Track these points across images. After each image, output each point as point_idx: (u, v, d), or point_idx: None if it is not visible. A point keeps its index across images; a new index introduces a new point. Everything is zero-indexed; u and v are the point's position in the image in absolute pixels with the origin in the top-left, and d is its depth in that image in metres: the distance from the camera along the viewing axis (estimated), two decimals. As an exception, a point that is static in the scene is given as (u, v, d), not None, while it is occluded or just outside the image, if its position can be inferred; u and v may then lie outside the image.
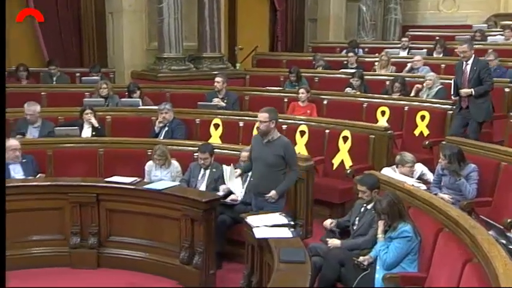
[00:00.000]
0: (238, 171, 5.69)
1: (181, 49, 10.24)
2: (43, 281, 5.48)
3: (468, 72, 7.04)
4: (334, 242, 4.82)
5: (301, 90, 8.31)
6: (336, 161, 7.04)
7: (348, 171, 6.62)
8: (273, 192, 5.21)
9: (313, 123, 7.42)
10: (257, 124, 5.31)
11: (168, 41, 10.06)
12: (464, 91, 7.00)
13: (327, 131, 7.21)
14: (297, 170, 5.39)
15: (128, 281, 5.55)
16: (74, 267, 5.78)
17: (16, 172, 6.19)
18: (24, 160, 6.29)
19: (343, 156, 6.98)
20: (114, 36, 10.63)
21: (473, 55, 7.10)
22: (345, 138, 7.00)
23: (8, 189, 5.66)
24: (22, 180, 6.08)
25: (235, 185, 5.82)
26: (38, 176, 6.26)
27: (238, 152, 6.42)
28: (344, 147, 7.00)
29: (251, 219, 4.86)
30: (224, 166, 5.89)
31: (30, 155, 6.41)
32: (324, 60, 10.57)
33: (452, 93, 7.23)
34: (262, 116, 5.19)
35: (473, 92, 6.96)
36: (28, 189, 5.83)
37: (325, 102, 8.50)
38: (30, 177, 6.18)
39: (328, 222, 5.13)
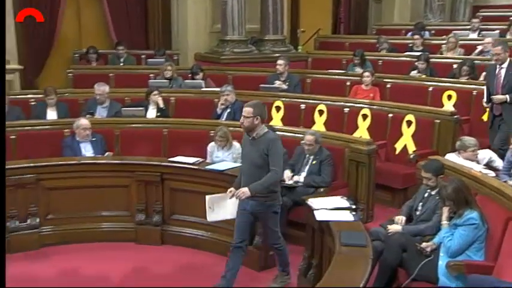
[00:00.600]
0: (233, 189, 4.81)
1: (244, 31, 10.24)
2: (110, 254, 5.69)
3: (502, 77, 6.48)
4: (395, 227, 4.72)
5: (366, 74, 8.15)
6: (398, 146, 6.89)
7: (411, 156, 6.46)
8: (244, 189, 4.59)
9: (376, 107, 7.28)
10: (241, 119, 4.68)
11: (231, 23, 10.08)
12: (498, 98, 6.48)
13: (390, 115, 7.05)
14: (278, 172, 4.62)
15: (190, 258, 5.67)
16: (138, 243, 5.95)
17: (86, 150, 6.42)
18: (93, 139, 6.49)
19: (406, 141, 6.82)
20: (178, 19, 10.74)
21: (509, 58, 6.51)
22: (409, 123, 6.83)
23: (79, 166, 5.98)
24: (92, 158, 6.28)
25: (226, 211, 4.91)
26: (106, 155, 6.46)
27: (299, 135, 6.40)
28: (408, 131, 6.83)
29: (312, 202, 4.84)
30: (207, 197, 4.95)
31: (99, 134, 6.60)
32: (388, 43, 10.32)
33: (484, 99, 6.72)
34: (246, 110, 4.62)
35: (508, 99, 6.42)
36: (97, 167, 6.02)
37: (388, 85, 8.30)
38: (99, 155, 6.38)
39: (399, 221, 4.84)
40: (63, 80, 9.07)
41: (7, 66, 7.84)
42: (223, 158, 6.25)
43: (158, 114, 7.50)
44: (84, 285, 5.12)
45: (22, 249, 5.64)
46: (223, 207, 4.87)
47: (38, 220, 5.79)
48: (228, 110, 7.52)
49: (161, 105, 7.52)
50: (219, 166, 5.77)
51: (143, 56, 10.24)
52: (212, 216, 4.91)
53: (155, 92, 7.53)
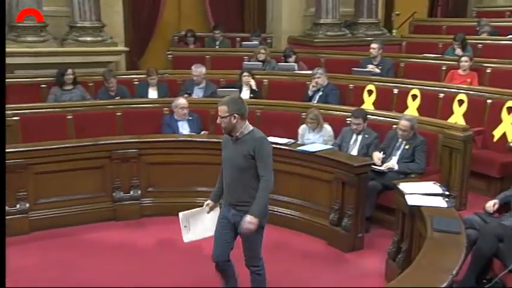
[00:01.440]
0: (210, 202, 4.32)
1: (337, 15, 10.12)
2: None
3: None
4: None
5: (465, 58, 7.78)
6: (497, 133, 6.57)
7: (511, 145, 6.15)
8: (248, 218, 3.88)
9: (473, 93, 6.97)
10: (218, 120, 4.01)
11: (325, 6, 9.98)
12: None
13: (489, 101, 6.73)
14: (269, 179, 3.92)
15: (279, 236, 5.74)
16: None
17: (184, 128, 6.65)
18: (190, 118, 6.72)
19: (506, 128, 6.49)
20: (273, 3, 10.78)
21: None
22: (510, 109, 6.49)
23: (176, 143, 6.21)
24: (188, 135, 6.49)
25: (205, 228, 4.29)
26: (202, 133, 6.66)
27: (391, 119, 6.28)
28: (508, 118, 6.49)
29: (404, 186, 4.74)
30: (180, 214, 4.36)
31: (196, 113, 6.81)
32: (490, 26, 9.78)
33: None
34: (221, 109, 3.94)
35: None
36: (193, 144, 6.21)
37: (488, 70, 7.90)
38: (195, 134, 6.59)
39: (491, 204, 4.64)
40: (163, 62, 9.42)
41: (116, 48, 8.28)
42: (314, 140, 6.25)
43: (251, 95, 7.62)
44: (179, 254, 5.34)
45: (125, 218, 5.98)
46: (201, 224, 4.22)
47: (139, 192, 6.09)
48: (320, 93, 7.51)
49: (254, 86, 7.64)
50: (311, 147, 5.78)
51: (238, 39, 10.41)
52: (189, 236, 4.27)
53: (245, 74, 7.65)
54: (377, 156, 5.80)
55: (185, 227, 4.23)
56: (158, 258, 5.29)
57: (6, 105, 6.35)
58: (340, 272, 5.08)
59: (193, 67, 7.75)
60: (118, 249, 5.43)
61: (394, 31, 11.87)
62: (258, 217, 3.86)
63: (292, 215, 5.89)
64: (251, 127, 4.01)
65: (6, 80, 7.38)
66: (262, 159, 3.89)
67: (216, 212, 4.21)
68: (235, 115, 3.90)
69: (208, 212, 4.25)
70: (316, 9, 10.16)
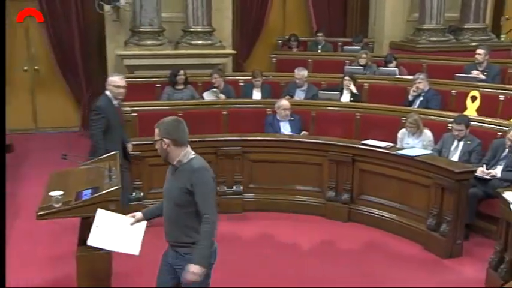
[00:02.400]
0: (137, 214, 3.63)
1: (442, 20, 9.77)
2: (301, 225, 5.96)
3: None
4: None
5: None
6: None
7: None
8: (192, 268, 3.23)
9: None
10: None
11: (430, 11, 9.68)
12: None
13: None
14: (212, 217, 3.26)
15: (374, 237, 5.69)
16: (327, 218, 6.13)
17: (285, 128, 6.76)
18: (292, 119, 6.81)
19: None
20: (376, 8, 10.61)
21: None
22: None
23: (278, 142, 6.33)
24: (290, 136, 6.59)
25: (116, 239, 3.52)
26: (302, 134, 6.73)
27: (496, 127, 6.00)
28: None
29: (508, 195, 4.51)
30: (98, 210, 3.62)
31: (297, 114, 6.89)
32: None
33: None
34: (155, 131, 3.33)
35: None
36: (294, 145, 6.28)
37: None
38: (296, 134, 6.67)
39: None
40: (267, 64, 9.59)
41: (224, 51, 8.57)
42: (414, 144, 6.12)
43: (351, 99, 7.58)
44: (278, 249, 5.45)
45: (227, 212, 6.18)
46: (115, 233, 3.50)
47: (241, 187, 6.28)
48: (421, 98, 7.32)
49: (354, 90, 7.59)
50: (411, 152, 5.67)
51: (340, 44, 10.36)
52: (94, 239, 3.47)
53: (346, 78, 7.62)
54: (481, 170, 5.55)
55: (97, 227, 3.50)
56: (258, 251, 5.41)
57: (127, 102, 6.84)
58: (437, 277, 4.94)
59: (296, 70, 7.85)
60: (220, 240, 5.57)
61: (502, 36, 11.24)
62: (203, 266, 3.24)
63: (387, 217, 5.82)
64: (192, 155, 3.31)
65: (128, 79, 7.94)
66: (201, 195, 3.21)
67: (140, 232, 3.54)
68: (165, 140, 3.25)
69: (132, 224, 3.54)
70: (420, 14, 9.88)
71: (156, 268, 4.89)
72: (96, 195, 3.78)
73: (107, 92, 5.46)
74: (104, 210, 3.59)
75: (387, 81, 8.14)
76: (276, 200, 6.29)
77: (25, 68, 9.22)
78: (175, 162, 3.29)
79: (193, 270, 3.21)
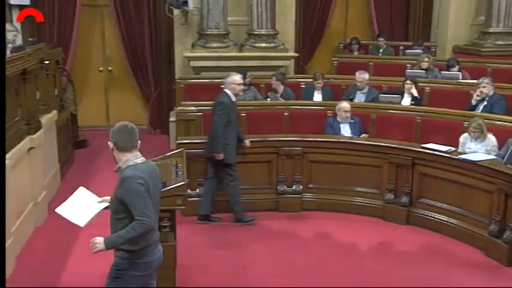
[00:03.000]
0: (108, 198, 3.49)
1: (510, 23, 9.39)
2: (359, 226, 5.90)
3: None
4: None
5: None
6: None
7: None
8: (99, 239, 3.18)
9: None
10: None
11: (497, 15, 9.33)
12: None
13: None
14: (142, 221, 3.08)
15: (432, 241, 5.56)
16: (385, 220, 6.05)
17: (345, 130, 6.69)
18: (352, 121, 6.73)
19: None
20: (440, 11, 10.33)
21: None
22: None
23: (338, 144, 6.29)
24: (349, 138, 6.52)
25: (80, 212, 3.49)
26: (362, 136, 6.65)
27: None
28: None
29: None
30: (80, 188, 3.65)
31: (357, 116, 6.81)
32: None
33: None
34: None
35: None
36: (354, 146, 6.23)
37: None
38: (356, 136, 6.60)
39: None
40: (328, 67, 9.54)
41: (287, 54, 8.59)
42: (476, 149, 5.90)
43: (412, 102, 7.41)
44: (335, 249, 5.42)
45: (286, 210, 6.21)
46: (78, 206, 3.51)
47: (301, 187, 6.28)
48: (485, 103, 7.04)
49: (415, 94, 7.42)
50: (473, 157, 5.49)
51: (401, 47, 10.15)
52: (61, 208, 3.53)
53: (408, 81, 7.46)
54: None
55: (72, 199, 3.57)
56: (315, 250, 5.41)
57: (193, 102, 7.00)
58: (499, 284, 4.78)
59: (357, 73, 7.75)
60: (279, 237, 5.67)
61: None
62: (105, 244, 3.15)
63: (447, 221, 5.68)
64: (132, 162, 3.17)
65: (194, 80, 8.17)
66: (129, 203, 3.11)
67: (95, 210, 3.48)
68: (109, 142, 3.22)
69: (98, 202, 3.52)
70: (486, 18, 9.53)
71: (220, 263, 5.04)
72: (164, 189, 3.89)
73: (226, 90, 5.89)
74: (84, 189, 3.60)
75: (450, 85, 7.90)
76: (335, 201, 6.25)
77: (100, 68, 9.62)
78: (117, 168, 3.22)
79: (98, 241, 3.16)
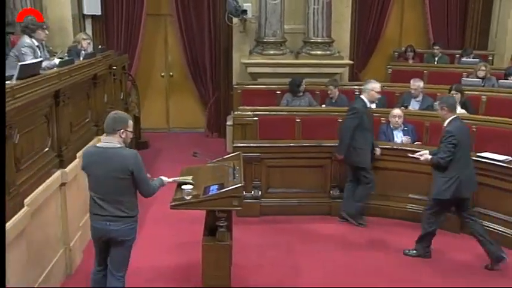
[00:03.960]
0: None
1: None
2: (413, 233, 5.71)
3: None
4: None
5: None
6: None
7: None
8: None
9: None
10: None
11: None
12: None
13: None
14: None
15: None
16: (440, 228, 5.80)
17: (398, 137, 6.57)
18: (405, 128, 6.60)
19: None
20: (499, 20, 9.96)
21: None
22: None
23: (390, 150, 6.17)
24: (401, 144, 6.38)
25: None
26: (414, 143, 6.49)
27: None
28: None
29: None
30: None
31: (411, 124, 6.67)
32: None
33: None
34: None
35: None
36: (406, 153, 6.05)
37: None
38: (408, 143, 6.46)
39: None
40: (382, 75, 9.38)
41: (342, 61, 8.53)
42: (534, 159, 5.66)
43: (463, 110, 7.17)
44: (389, 255, 5.32)
45: (339, 214, 6.15)
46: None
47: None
48: (544, 112, 6.74)
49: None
50: (531, 167, 5.26)
51: (457, 56, 9.85)
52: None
53: (453, 91, 7.22)
54: None
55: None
56: (370, 254, 5.33)
57: (249, 107, 7.06)
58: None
59: (411, 81, 7.59)
60: (331, 241, 5.63)
61: None
62: None
63: (503, 231, 5.47)
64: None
65: (251, 86, 8.24)
66: None
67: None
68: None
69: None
70: (546, 26, 9.12)
71: (273, 263, 5.06)
72: (221, 191, 3.95)
73: (362, 96, 5.91)
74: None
75: (507, 94, 7.60)
76: (388, 206, 6.15)
77: (162, 74, 9.87)
78: None
79: None
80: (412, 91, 7.52)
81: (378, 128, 6.73)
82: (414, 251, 5.26)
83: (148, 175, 3.86)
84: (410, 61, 9.73)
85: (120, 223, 3.71)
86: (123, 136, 3.71)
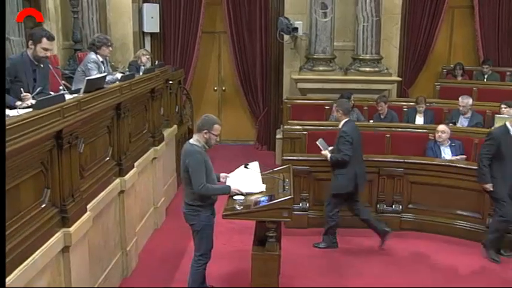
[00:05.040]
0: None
1: None
2: (459, 249, 5.59)
3: None
4: None
5: None
6: None
7: None
8: None
9: None
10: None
11: None
12: None
13: None
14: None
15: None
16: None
17: (446, 153, 6.39)
18: (453, 144, 6.42)
19: None
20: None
21: None
22: None
23: (438, 166, 6.01)
24: (449, 160, 6.21)
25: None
26: (458, 158, 6.30)
27: None
28: None
29: None
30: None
31: (459, 140, 6.48)
32: None
33: None
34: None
35: None
36: (453, 169, 5.92)
37: None
38: (456, 159, 6.27)
39: None
40: (430, 92, 9.18)
41: (390, 78, 8.42)
42: None
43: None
44: (434, 271, 5.16)
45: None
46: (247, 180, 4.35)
47: (400, 207, 6.09)
48: None
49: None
50: None
51: (508, 73, 9.51)
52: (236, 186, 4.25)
53: (502, 105, 6.96)
54: None
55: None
56: (412, 268, 5.21)
57: (298, 121, 7.06)
58: None
59: (460, 98, 7.38)
60: (376, 254, 5.53)
61: None
62: None
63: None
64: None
65: (301, 101, 8.25)
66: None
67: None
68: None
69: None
70: None
71: (320, 274, 5.01)
72: (272, 202, 3.95)
73: (508, 123, 5.32)
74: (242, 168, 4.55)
75: (560, 111, 7.26)
76: (435, 222, 5.98)
77: (215, 88, 10.03)
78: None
79: None
80: (461, 108, 7.32)
81: (425, 144, 6.60)
82: (323, 244, 5.60)
83: (221, 177, 4.34)
84: (459, 78, 9.46)
85: (185, 208, 4.17)
86: (206, 136, 4.11)
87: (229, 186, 4.16)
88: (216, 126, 4.14)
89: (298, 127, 6.91)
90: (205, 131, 4.10)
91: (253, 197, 4.09)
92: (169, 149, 6.96)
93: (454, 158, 6.27)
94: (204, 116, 4.23)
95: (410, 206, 6.11)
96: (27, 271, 3.03)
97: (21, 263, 3.00)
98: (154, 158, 5.98)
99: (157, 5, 9.21)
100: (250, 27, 9.39)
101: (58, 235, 3.43)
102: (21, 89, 4.15)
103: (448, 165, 6.02)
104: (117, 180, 4.69)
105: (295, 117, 7.63)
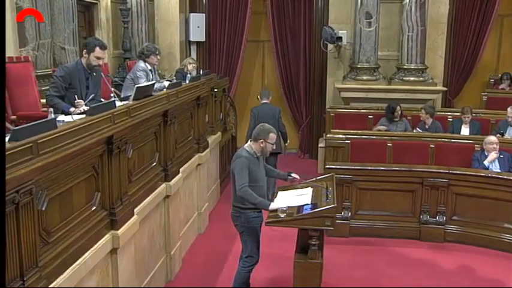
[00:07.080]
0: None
1: None
2: (506, 263, 5.36)
3: None
4: None
5: None
6: None
7: None
8: None
9: None
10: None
11: None
12: None
13: None
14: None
15: None
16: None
17: (493, 165, 6.17)
18: (501, 156, 6.19)
19: None
20: None
21: None
22: None
23: (484, 178, 5.81)
24: (497, 173, 5.99)
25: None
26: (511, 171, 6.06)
27: None
28: None
29: None
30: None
31: (508, 152, 6.24)
32: None
33: None
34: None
35: None
36: (501, 182, 5.71)
37: None
38: (504, 172, 6.04)
39: None
40: (476, 101, 8.91)
41: (435, 88, 8.21)
42: None
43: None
44: (479, 283, 4.97)
45: (428, 240, 5.87)
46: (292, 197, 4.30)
47: (444, 218, 5.91)
48: None
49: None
50: None
51: None
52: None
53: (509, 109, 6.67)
54: None
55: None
56: (456, 282, 5.03)
57: (341, 130, 6.98)
58: None
59: (508, 108, 7.09)
60: (418, 265, 5.38)
61: None
62: None
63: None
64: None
65: (344, 110, 8.16)
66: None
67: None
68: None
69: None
70: None
71: (360, 284, 4.91)
72: (315, 210, 3.91)
73: None
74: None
75: None
76: (480, 235, 5.77)
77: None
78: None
79: None
80: (509, 119, 7.04)
81: (470, 155, 6.39)
82: None
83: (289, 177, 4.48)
84: (507, 88, 9.15)
85: (232, 209, 4.28)
86: (262, 145, 4.22)
87: (269, 203, 4.11)
88: (272, 135, 4.24)
89: (341, 136, 6.84)
90: (261, 140, 4.22)
91: (296, 205, 4.08)
92: (213, 156, 7.02)
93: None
94: (259, 126, 4.33)
95: (454, 217, 5.92)
96: (78, 271, 3.10)
97: (72, 263, 3.07)
98: (199, 164, 6.04)
99: (204, 14, 9.35)
100: (294, 36, 9.39)
101: (107, 237, 3.50)
102: (75, 95, 4.29)
103: (494, 177, 5.81)
104: (163, 185, 4.76)
105: (338, 126, 7.56)
